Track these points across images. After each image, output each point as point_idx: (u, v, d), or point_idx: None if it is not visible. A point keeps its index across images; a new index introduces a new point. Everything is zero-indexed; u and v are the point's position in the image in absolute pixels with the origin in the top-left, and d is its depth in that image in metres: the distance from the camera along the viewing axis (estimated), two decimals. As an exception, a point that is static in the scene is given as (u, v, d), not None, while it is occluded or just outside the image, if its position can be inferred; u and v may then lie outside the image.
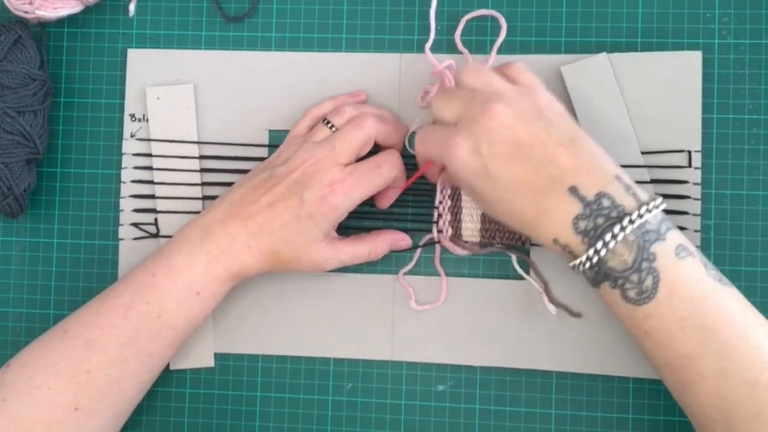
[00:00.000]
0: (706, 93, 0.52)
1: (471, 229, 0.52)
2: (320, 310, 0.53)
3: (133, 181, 0.55)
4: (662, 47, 0.52)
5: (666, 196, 0.50)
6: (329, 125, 0.49)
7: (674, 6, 0.52)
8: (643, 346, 0.43)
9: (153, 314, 0.47)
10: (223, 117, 0.55)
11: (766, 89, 0.52)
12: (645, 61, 0.52)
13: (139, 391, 0.49)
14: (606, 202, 0.41)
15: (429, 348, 0.53)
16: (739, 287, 0.43)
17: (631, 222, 0.40)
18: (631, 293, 0.41)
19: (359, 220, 0.53)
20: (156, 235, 0.54)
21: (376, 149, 0.50)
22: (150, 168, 0.55)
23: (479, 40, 0.54)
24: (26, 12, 0.53)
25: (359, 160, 0.49)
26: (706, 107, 0.52)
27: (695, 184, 0.51)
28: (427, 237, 0.53)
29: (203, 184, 0.55)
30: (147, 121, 0.55)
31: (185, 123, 0.55)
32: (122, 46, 0.56)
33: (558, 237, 0.43)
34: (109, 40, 0.56)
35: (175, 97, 0.55)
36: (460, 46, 0.53)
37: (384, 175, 0.48)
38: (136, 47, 0.56)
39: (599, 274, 0.42)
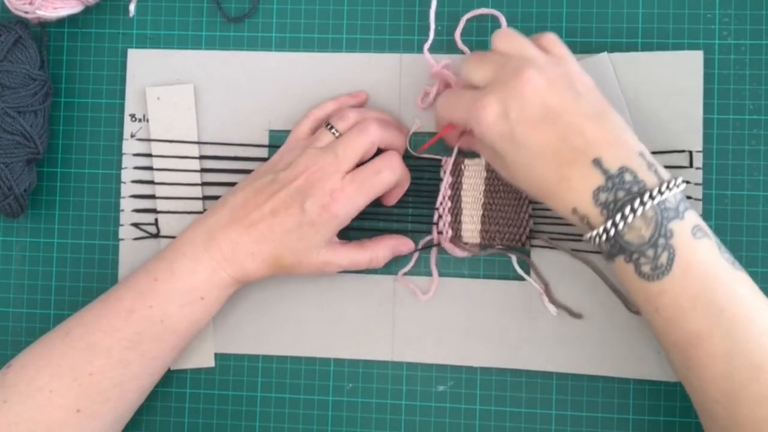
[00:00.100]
0: (707, 93, 0.52)
1: (471, 230, 0.52)
2: (321, 310, 0.53)
3: (134, 181, 0.55)
4: (663, 47, 0.52)
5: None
6: (332, 130, 0.49)
7: (675, 6, 0.52)
8: (652, 323, 0.43)
9: (156, 318, 0.47)
10: (223, 117, 0.55)
11: (767, 90, 0.51)
12: (646, 61, 0.52)
13: (140, 393, 0.49)
14: (628, 177, 0.42)
15: (429, 348, 0.53)
16: (739, 288, 0.43)
17: (651, 198, 0.41)
18: (646, 268, 0.41)
19: (360, 221, 0.52)
20: (156, 236, 0.54)
21: (378, 150, 0.50)
22: (150, 168, 0.55)
23: (479, 40, 0.53)
24: (26, 12, 0.53)
25: (361, 162, 0.49)
26: (707, 108, 0.52)
27: (696, 184, 0.51)
28: (427, 238, 0.53)
29: (203, 184, 0.55)
30: (147, 121, 0.55)
31: (185, 123, 0.55)
32: (122, 46, 0.56)
33: (577, 207, 0.43)
34: (109, 40, 0.56)
35: (175, 97, 0.55)
36: (460, 44, 0.53)
37: (385, 180, 0.48)
38: (136, 47, 0.56)
39: (615, 247, 0.42)
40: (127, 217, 0.55)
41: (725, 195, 0.51)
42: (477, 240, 0.52)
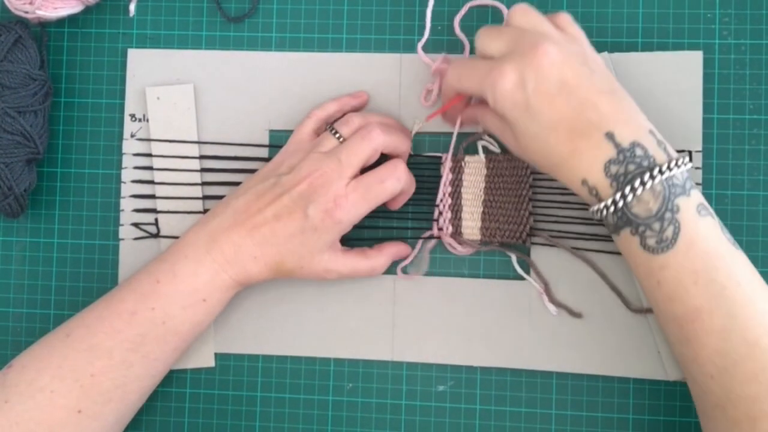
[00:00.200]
0: (707, 93, 0.52)
1: (471, 227, 0.52)
2: (321, 310, 0.53)
3: (134, 181, 0.55)
4: (663, 47, 0.52)
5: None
6: (336, 134, 0.49)
7: (675, 6, 0.52)
8: (653, 298, 0.44)
9: (158, 320, 0.47)
10: (223, 117, 0.55)
11: (767, 89, 0.51)
12: (645, 61, 0.52)
13: (142, 394, 0.49)
14: (639, 152, 0.42)
15: (429, 348, 0.53)
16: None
17: (661, 173, 0.41)
18: (651, 241, 0.42)
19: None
20: (156, 235, 0.54)
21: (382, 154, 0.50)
22: (150, 168, 0.55)
23: (479, 40, 0.53)
24: (26, 12, 0.53)
25: (366, 168, 0.49)
26: (707, 107, 0.52)
27: (696, 184, 0.51)
28: (428, 234, 0.53)
29: (203, 183, 0.55)
30: (147, 121, 0.55)
31: (185, 123, 0.55)
32: (122, 46, 0.56)
33: (587, 178, 0.43)
34: (109, 40, 0.56)
35: (175, 97, 0.55)
36: (459, 32, 0.53)
37: (388, 189, 0.48)
38: (136, 47, 0.56)
39: (622, 220, 0.43)
40: (127, 217, 0.55)
41: (725, 195, 0.51)
42: (477, 237, 0.52)
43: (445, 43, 0.54)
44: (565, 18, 0.47)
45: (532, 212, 0.52)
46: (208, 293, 0.48)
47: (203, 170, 0.55)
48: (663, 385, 0.51)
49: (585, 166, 0.43)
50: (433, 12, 0.54)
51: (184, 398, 0.54)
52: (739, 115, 0.52)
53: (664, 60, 0.52)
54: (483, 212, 0.52)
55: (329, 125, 0.50)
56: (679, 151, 0.50)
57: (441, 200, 0.53)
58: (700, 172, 0.51)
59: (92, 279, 0.55)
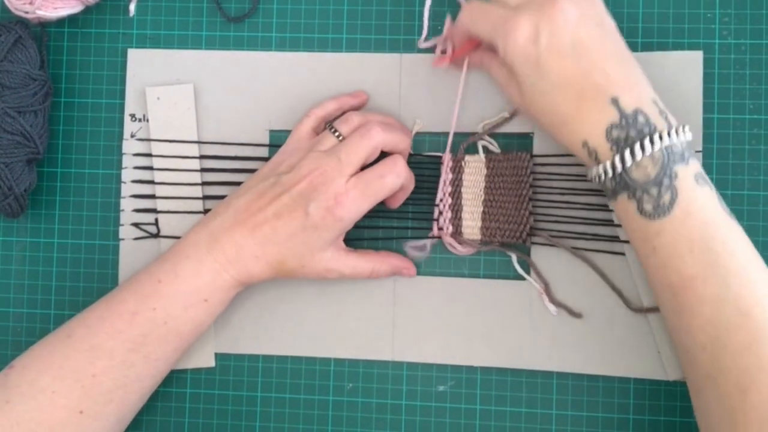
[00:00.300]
0: (707, 93, 0.52)
1: (471, 227, 0.52)
2: (321, 310, 0.53)
3: (134, 181, 0.55)
4: (663, 47, 0.52)
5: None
6: (335, 133, 0.49)
7: (675, 6, 0.52)
8: (647, 265, 0.44)
9: (159, 320, 0.47)
10: (223, 117, 0.55)
11: (767, 89, 0.51)
12: (645, 61, 0.51)
13: (143, 395, 0.49)
14: (641, 119, 0.43)
15: (429, 348, 0.53)
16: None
17: (661, 139, 0.42)
18: (648, 206, 0.42)
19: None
20: (156, 235, 0.54)
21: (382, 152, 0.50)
22: (150, 168, 0.55)
23: (480, 40, 0.53)
24: (27, 12, 0.53)
25: (365, 166, 0.49)
26: (707, 107, 0.52)
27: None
28: (430, 234, 0.53)
29: (203, 183, 0.55)
30: (147, 121, 0.55)
31: (185, 123, 0.55)
32: (122, 46, 0.56)
33: (588, 140, 0.44)
34: (109, 40, 0.56)
35: (175, 97, 0.55)
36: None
37: (388, 185, 0.48)
38: (136, 47, 0.56)
39: (620, 184, 0.43)
40: (127, 217, 0.55)
41: (725, 195, 0.51)
42: (477, 237, 0.52)
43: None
44: None
45: (532, 212, 0.52)
46: (209, 293, 0.48)
47: (203, 170, 0.55)
48: (663, 385, 0.51)
49: (587, 128, 0.44)
50: (433, 12, 0.54)
51: (184, 398, 0.54)
52: (740, 115, 0.52)
53: (664, 60, 0.52)
54: (483, 212, 0.52)
55: (329, 124, 0.50)
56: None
57: (441, 200, 0.53)
58: (700, 172, 0.51)
59: (92, 279, 0.55)
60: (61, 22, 0.56)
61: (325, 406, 0.53)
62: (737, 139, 0.51)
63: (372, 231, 0.54)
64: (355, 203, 0.47)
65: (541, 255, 0.52)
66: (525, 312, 0.52)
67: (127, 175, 0.55)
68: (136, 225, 0.55)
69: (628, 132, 0.43)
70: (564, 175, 0.52)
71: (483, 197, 0.52)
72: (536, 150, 0.52)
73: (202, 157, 0.55)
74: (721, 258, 0.41)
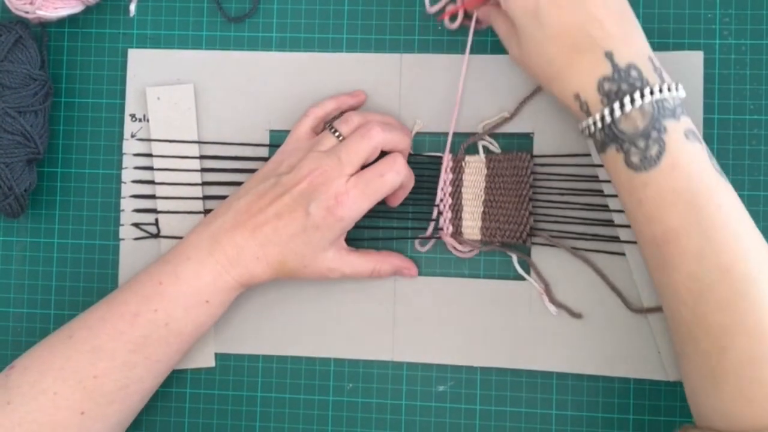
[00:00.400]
0: (708, 93, 0.52)
1: (471, 227, 0.52)
2: (321, 310, 0.53)
3: (134, 181, 0.55)
4: (663, 47, 0.52)
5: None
6: (335, 133, 0.49)
7: (675, 6, 0.52)
8: (633, 218, 0.44)
9: (161, 322, 0.47)
10: (223, 117, 0.55)
11: (767, 90, 0.51)
12: (646, 61, 0.52)
13: (144, 395, 0.49)
14: (634, 73, 0.43)
15: (429, 348, 0.53)
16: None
17: (651, 93, 0.42)
18: (635, 158, 0.43)
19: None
20: (157, 236, 0.54)
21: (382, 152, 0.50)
22: (150, 168, 0.55)
23: (479, 40, 0.53)
24: (27, 12, 0.53)
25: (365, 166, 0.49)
26: (707, 108, 0.52)
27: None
28: (430, 229, 0.53)
29: (203, 183, 0.55)
30: (147, 121, 0.55)
31: (185, 123, 0.55)
32: (123, 46, 0.56)
33: (580, 92, 0.44)
34: (109, 40, 0.56)
35: (176, 97, 0.55)
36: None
37: (388, 183, 0.48)
38: (136, 47, 0.56)
39: (608, 136, 0.43)
40: (127, 217, 0.55)
41: (725, 195, 0.51)
42: (477, 237, 0.52)
43: (445, 42, 0.54)
44: None
45: (533, 212, 0.52)
46: (210, 295, 0.48)
47: (203, 170, 0.55)
48: (663, 385, 0.51)
49: (580, 80, 0.44)
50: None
51: (184, 398, 0.54)
52: (740, 115, 0.52)
53: (664, 60, 0.51)
54: (483, 212, 0.52)
55: (328, 124, 0.50)
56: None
57: (441, 200, 0.53)
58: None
59: (92, 279, 0.55)
60: (61, 22, 0.56)
61: (325, 406, 0.53)
62: (737, 139, 0.51)
63: (372, 231, 0.54)
64: (356, 202, 0.47)
65: (541, 255, 0.52)
66: (525, 312, 0.52)
67: (128, 175, 0.55)
68: (136, 225, 0.55)
69: (620, 85, 0.43)
70: (564, 175, 0.52)
71: (483, 197, 0.52)
72: (536, 150, 0.52)
73: (202, 157, 0.55)
74: (705, 212, 0.41)
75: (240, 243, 0.47)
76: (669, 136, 0.42)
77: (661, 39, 0.52)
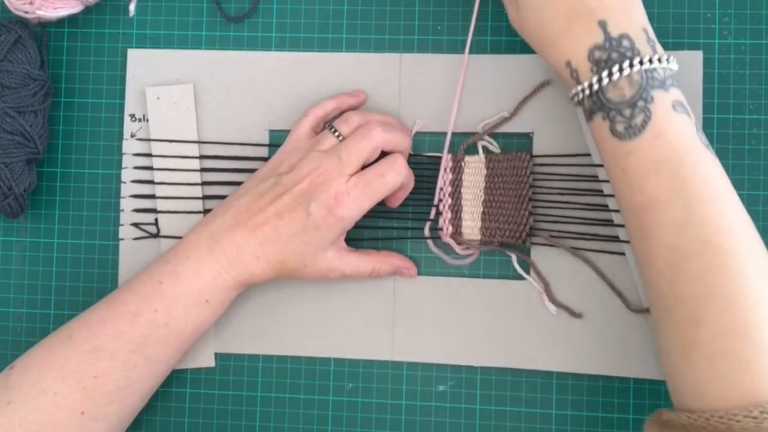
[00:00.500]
0: (707, 93, 0.52)
1: (471, 227, 0.52)
2: (321, 310, 0.53)
3: (134, 181, 0.55)
4: (663, 47, 0.52)
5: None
6: (335, 133, 0.49)
7: (674, 6, 0.52)
8: (617, 188, 0.44)
9: (161, 322, 0.47)
10: (223, 117, 0.55)
11: (767, 89, 0.51)
12: (645, 61, 0.52)
13: (144, 395, 0.49)
14: (626, 43, 0.43)
15: (429, 348, 0.53)
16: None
17: (641, 63, 0.42)
18: (620, 126, 0.43)
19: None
20: (156, 235, 0.54)
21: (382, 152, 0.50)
22: (150, 168, 0.55)
23: (479, 40, 0.53)
24: (26, 12, 0.53)
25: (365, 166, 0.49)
26: (707, 107, 0.52)
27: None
28: (428, 224, 0.53)
29: (203, 183, 0.55)
30: (147, 121, 0.55)
31: (185, 123, 0.55)
32: (122, 46, 0.56)
33: (571, 59, 0.44)
34: (109, 40, 0.56)
35: (175, 97, 0.55)
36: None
37: (389, 183, 0.48)
38: (136, 47, 0.56)
39: (596, 104, 0.44)
40: (127, 217, 0.55)
41: (725, 195, 0.51)
42: (477, 237, 0.52)
43: (444, 42, 0.54)
44: None
45: (532, 212, 0.52)
46: (210, 294, 0.48)
47: (203, 170, 0.55)
48: (663, 385, 0.51)
49: (572, 48, 0.44)
50: (433, 12, 0.54)
51: (184, 398, 0.54)
52: (739, 115, 0.52)
53: (664, 60, 0.52)
54: (483, 212, 0.52)
55: (328, 123, 0.50)
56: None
57: (441, 200, 0.53)
58: (700, 172, 0.51)
59: (92, 279, 0.55)
60: (61, 22, 0.56)
61: (325, 406, 0.53)
62: (737, 139, 0.52)
63: (372, 231, 0.54)
64: (356, 202, 0.47)
65: (540, 255, 0.52)
66: (525, 312, 0.52)
67: (127, 175, 0.55)
68: (136, 225, 0.55)
69: (610, 54, 0.43)
70: (564, 175, 0.52)
71: (483, 197, 0.52)
72: (536, 150, 0.52)
73: (202, 157, 0.55)
74: (688, 184, 0.41)
75: (240, 242, 0.47)
76: (656, 106, 0.42)
77: (660, 39, 0.52)
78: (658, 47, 0.44)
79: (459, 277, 0.53)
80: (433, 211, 0.53)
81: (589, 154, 0.51)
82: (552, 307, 0.51)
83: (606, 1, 0.44)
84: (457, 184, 0.53)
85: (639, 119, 0.42)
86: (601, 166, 0.50)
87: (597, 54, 0.43)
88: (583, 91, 0.44)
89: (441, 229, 0.53)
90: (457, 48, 0.53)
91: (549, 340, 0.52)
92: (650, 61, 0.42)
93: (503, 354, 0.52)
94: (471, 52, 0.53)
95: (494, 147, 0.53)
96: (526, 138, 0.53)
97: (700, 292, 0.40)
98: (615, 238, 0.51)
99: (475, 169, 0.53)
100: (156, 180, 0.54)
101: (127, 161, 0.55)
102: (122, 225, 0.55)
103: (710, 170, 0.42)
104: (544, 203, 0.52)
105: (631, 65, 0.42)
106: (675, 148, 0.42)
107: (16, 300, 0.56)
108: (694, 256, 0.41)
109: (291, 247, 0.47)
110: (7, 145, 0.51)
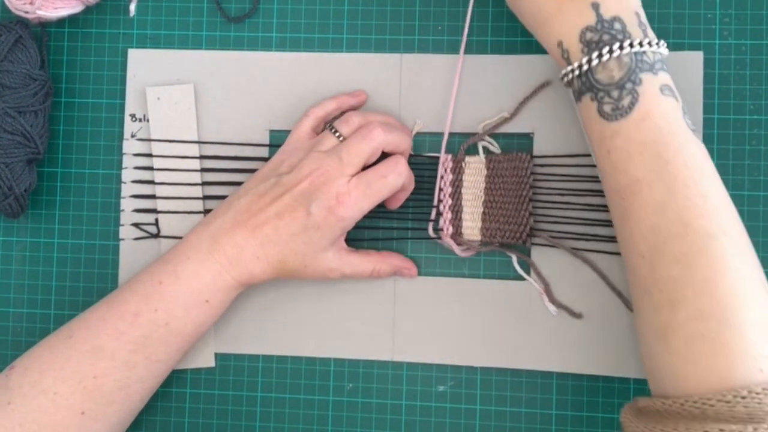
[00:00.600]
0: (707, 93, 0.52)
1: (471, 227, 0.52)
2: (321, 310, 0.54)
3: (134, 181, 0.55)
4: (663, 47, 0.52)
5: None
6: (336, 133, 0.49)
7: (675, 6, 0.52)
8: (602, 169, 0.45)
9: (161, 321, 0.47)
10: (223, 117, 0.55)
11: (767, 90, 0.51)
12: (646, 62, 0.52)
13: (144, 395, 0.49)
14: (617, 26, 0.44)
15: (429, 348, 0.53)
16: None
17: (631, 46, 0.43)
18: (607, 107, 0.43)
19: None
20: (156, 236, 0.54)
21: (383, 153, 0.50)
22: (150, 168, 0.55)
23: (479, 40, 0.53)
24: (27, 12, 0.53)
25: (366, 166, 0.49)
26: (707, 108, 0.52)
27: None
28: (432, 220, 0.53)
29: (203, 183, 0.55)
30: (147, 121, 0.55)
31: (185, 123, 0.55)
32: (123, 46, 0.56)
33: (563, 40, 0.45)
34: (109, 40, 0.56)
35: (176, 97, 0.55)
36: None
37: (390, 184, 0.48)
38: (136, 47, 0.56)
39: (585, 85, 0.44)
40: (127, 217, 0.55)
41: (725, 195, 0.51)
42: (477, 237, 0.52)
43: (445, 43, 0.54)
44: None
45: (532, 212, 0.52)
46: (210, 294, 0.48)
47: (203, 170, 0.55)
48: (663, 385, 0.51)
49: (564, 28, 0.45)
50: (434, 12, 0.54)
51: (184, 398, 0.54)
52: (740, 115, 0.52)
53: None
54: (483, 213, 0.52)
55: (329, 124, 0.50)
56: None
57: (441, 201, 0.53)
58: (700, 172, 0.51)
59: (92, 279, 0.55)
60: (61, 22, 0.56)
61: (325, 406, 0.53)
62: (737, 139, 0.51)
63: (372, 231, 0.54)
64: (357, 203, 0.47)
65: (541, 255, 0.52)
66: (525, 312, 0.52)
67: (127, 175, 0.55)
68: (136, 225, 0.55)
69: (602, 36, 0.43)
70: (564, 175, 0.52)
71: (483, 198, 0.52)
72: (536, 150, 0.52)
73: (202, 157, 0.55)
74: (671, 166, 0.42)
75: (240, 242, 0.47)
76: (644, 89, 0.43)
77: (661, 39, 0.52)
78: (650, 31, 0.45)
79: (459, 277, 0.53)
80: (434, 212, 0.53)
81: (589, 155, 0.51)
82: (552, 308, 0.51)
83: None
84: (457, 184, 0.53)
85: (626, 101, 0.43)
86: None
87: (588, 35, 0.44)
88: (572, 71, 0.44)
89: (441, 230, 0.53)
90: (457, 48, 0.53)
91: (549, 340, 0.52)
92: (640, 44, 0.43)
93: (503, 354, 0.52)
94: (472, 52, 0.53)
95: (494, 147, 0.53)
96: (527, 138, 0.53)
97: (680, 274, 0.41)
98: (615, 238, 0.51)
99: (475, 169, 0.53)
100: (156, 180, 0.54)
101: (128, 161, 0.55)
102: (122, 225, 0.55)
103: (694, 154, 0.43)
104: (544, 204, 0.52)
105: (621, 47, 0.43)
106: (661, 130, 0.42)
107: (16, 300, 0.56)
108: (675, 237, 0.41)
109: (291, 247, 0.47)
110: (8, 145, 0.51)
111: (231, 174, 0.54)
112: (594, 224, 0.51)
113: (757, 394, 0.38)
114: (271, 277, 0.49)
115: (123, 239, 0.55)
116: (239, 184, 0.51)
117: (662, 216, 0.41)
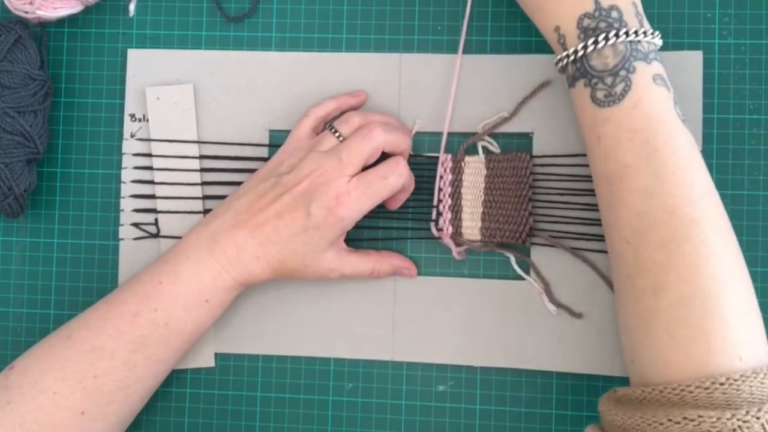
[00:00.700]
0: (707, 93, 0.52)
1: (471, 227, 0.52)
2: (321, 310, 0.54)
3: (134, 181, 0.55)
4: (662, 47, 0.52)
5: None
6: (336, 133, 0.49)
7: (674, 6, 0.52)
8: (591, 156, 0.45)
9: (161, 321, 0.47)
10: (223, 117, 0.55)
11: (767, 89, 0.51)
12: (645, 61, 0.52)
13: (144, 395, 0.49)
14: (614, 14, 0.44)
15: (429, 348, 0.53)
16: (739, 287, 0.43)
17: (627, 35, 0.43)
18: (600, 94, 0.44)
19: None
20: (156, 235, 0.54)
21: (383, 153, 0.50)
22: (150, 168, 0.55)
23: (479, 40, 0.53)
24: (26, 12, 0.53)
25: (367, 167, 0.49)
26: (707, 107, 0.52)
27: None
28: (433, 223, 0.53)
29: (203, 183, 0.55)
30: (147, 121, 0.55)
31: (185, 123, 0.55)
32: (122, 46, 0.56)
33: (560, 25, 0.45)
34: (109, 40, 0.56)
35: (175, 97, 0.55)
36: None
37: (390, 185, 0.48)
38: (136, 47, 0.56)
39: (579, 71, 0.45)
40: (127, 217, 0.55)
41: (725, 195, 0.51)
42: (477, 237, 0.52)
43: (444, 43, 0.54)
44: None
45: (532, 212, 0.52)
46: (210, 294, 0.48)
47: (203, 170, 0.55)
48: (663, 385, 0.51)
49: (562, 13, 0.45)
50: (433, 12, 0.54)
51: (184, 398, 0.54)
52: (739, 115, 0.52)
53: (663, 60, 0.51)
54: (483, 212, 0.52)
55: (329, 124, 0.50)
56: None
57: (440, 201, 0.53)
58: (700, 172, 0.51)
59: (92, 279, 0.55)
60: (61, 22, 0.56)
61: (325, 406, 0.53)
62: (737, 139, 0.52)
63: (372, 231, 0.54)
64: (357, 203, 0.47)
65: (540, 255, 0.52)
66: (525, 312, 0.52)
67: (127, 175, 0.55)
68: (136, 225, 0.55)
69: (599, 23, 0.44)
70: (564, 175, 0.52)
71: (483, 198, 0.52)
72: (536, 150, 0.52)
73: (202, 157, 0.55)
74: (659, 154, 0.42)
75: (240, 242, 0.47)
76: (637, 77, 0.43)
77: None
78: (645, 22, 0.45)
79: (459, 277, 0.53)
80: (434, 212, 0.53)
81: (589, 154, 0.51)
82: (552, 307, 0.52)
83: None
84: (457, 184, 0.53)
85: (619, 88, 0.43)
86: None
87: (586, 22, 0.44)
88: (567, 56, 0.45)
89: (441, 230, 0.53)
90: (457, 48, 0.53)
91: (549, 340, 0.52)
92: (636, 33, 0.43)
93: (503, 354, 0.52)
94: (471, 51, 0.53)
95: (494, 147, 0.53)
96: (526, 138, 0.53)
97: (663, 260, 0.41)
98: (615, 238, 0.51)
99: (475, 169, 0.53)
100: (156, 180, 0.54)
101: (127, 161, 0.55)
102: (122, 225, 0.55)
103: (683, 143, 0.43)
104: (544, 203, 0.52)
105: (617, 35, 0.43)
106: (651, 118, 0.43)
107: (16, 300, 0.56)
108: (660, 224, 0.41)
109: (291, 247, 0.47)
110: (7, 145, 0.51)
111: (231, 174, 0.54)
112: (594, 224, 0.51)
113: (735, 380, 0.38)
114: (270, 277, 0.49)
115: (123, 239, 0.55)
116: (239, 184, 0.51)
117: (648, 202, 0.42)
